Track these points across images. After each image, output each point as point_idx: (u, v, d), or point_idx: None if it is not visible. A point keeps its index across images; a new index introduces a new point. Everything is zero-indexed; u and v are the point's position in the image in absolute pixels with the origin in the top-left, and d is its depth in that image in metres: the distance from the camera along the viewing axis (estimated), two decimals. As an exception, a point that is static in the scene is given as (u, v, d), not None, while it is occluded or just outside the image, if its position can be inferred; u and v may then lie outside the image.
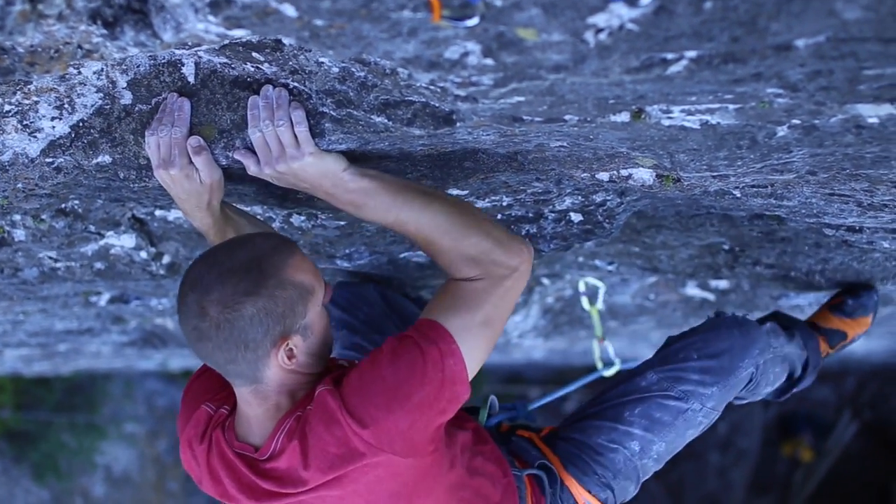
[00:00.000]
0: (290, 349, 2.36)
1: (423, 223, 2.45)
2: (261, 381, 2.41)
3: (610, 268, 4.12)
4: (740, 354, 3.03)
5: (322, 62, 2.21)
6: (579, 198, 3.03)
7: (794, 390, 3.52)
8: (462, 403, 2.42)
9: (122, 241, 3.37)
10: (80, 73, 2.32)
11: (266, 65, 2.27)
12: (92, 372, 9.47)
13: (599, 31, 1.72)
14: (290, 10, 1.73)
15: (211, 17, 1.79)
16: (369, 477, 2.36)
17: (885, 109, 2.04)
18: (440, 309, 2.44)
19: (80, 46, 2.05)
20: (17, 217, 3.13)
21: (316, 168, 2.38)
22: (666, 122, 2.24)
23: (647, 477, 3.07)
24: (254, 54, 2.23)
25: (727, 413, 3.09)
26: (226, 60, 2.30)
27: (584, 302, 4.19)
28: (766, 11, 1.63)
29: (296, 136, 2.34)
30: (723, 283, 4.36)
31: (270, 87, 2.32)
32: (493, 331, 2.46)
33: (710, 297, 4.42)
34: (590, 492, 2.93)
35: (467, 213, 2.51)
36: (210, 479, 2.58)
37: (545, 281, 4.52)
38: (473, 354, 2.40)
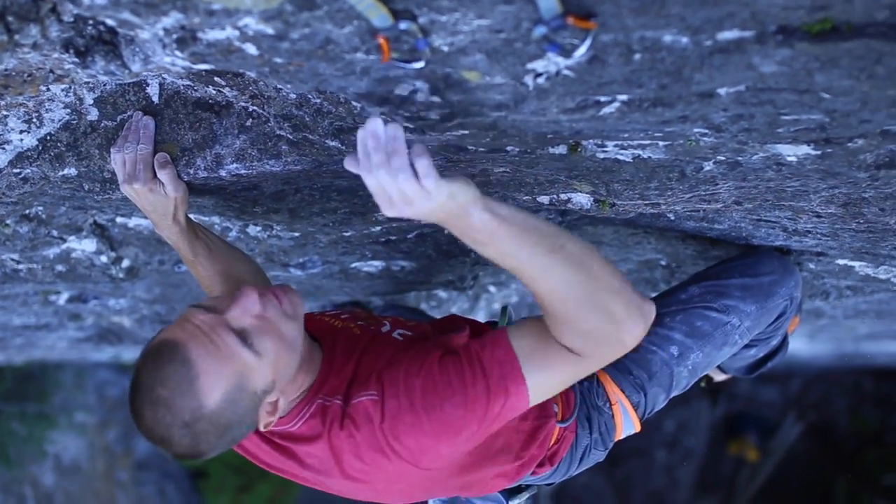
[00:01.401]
0: (271, 407, 2.27)
1: (541, 284, 2.12)
2: None
3: (554, 279, 4.22)
4: (779, 281, 3.04)
5: (280, 88, 2.31)
6: (523, 215, 3.10)
7: (770, 364, 3.52)
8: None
9: (84, 246, 3.43)
10: (48, 89, 2.40)
11: (227, 89, 2.37)
12: (43, 361, 9.45)
13: (538, 75, 1.86)
14: (251, 49, 1.85)
15: (178, 53, 1.91)
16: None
17: (803, 150, 2.19)
18: (527, 350, 2.24)
19: (52, 71, 2.15)
20: (-18, 221, 3.19)
21: (445, 210, 1.99)
22: (601, 155, 2.37)
23: (678, 391, 2.97)
24: (216, 79, 2.32)
25: (674, 411, 3.07)
26: (189, 83, 2.39)
27: None
28: (690, 64, 1.78)
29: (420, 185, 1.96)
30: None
31: (381, 124, 1.92)
32: (567, 383, 2.34)
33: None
34: (623, 392, 2.85)
35: (593, 277, 2.11)
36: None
37: (491, 289, 4.61)
38: (536, 397, 2.27)
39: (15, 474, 10.61)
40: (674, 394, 2.97)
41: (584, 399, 2.83)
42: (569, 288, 2.10)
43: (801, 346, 7.00)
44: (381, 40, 1.74)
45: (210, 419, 2.11)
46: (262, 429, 2.29)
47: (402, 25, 1.69)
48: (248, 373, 2.16)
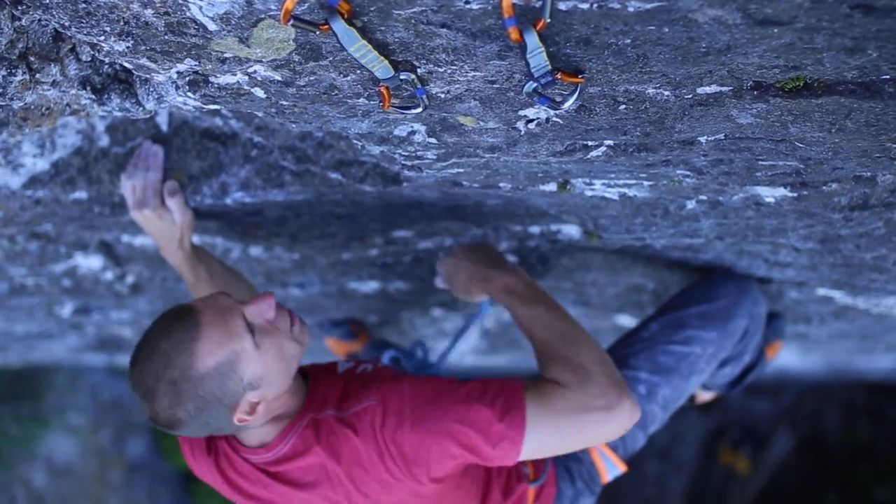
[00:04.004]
0: (250, 406, 2.32)
1: (547, 326, 2.51)
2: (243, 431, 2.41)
3: (545, 300, 4.31)
4: (737, 302, 3.07)
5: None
6: (515, 242, 3.21)
7: (749, 378, 3.53)
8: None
9: (90, 262, 3.52)
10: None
11: (233, 120, 2.47)
12: (38, 363, 9.49)
13: (529, 121, 1.97)
14: (260, 93, 1.95)
15: (189, 94, 2.00)
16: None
17: (780, 192, 2.29)
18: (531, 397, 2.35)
19: (69, 105, 2.25)
20: (-7, 239, 3.27)
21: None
22: (588, 193, 2.47)
23: (655, 427, 3.02)
24: (223, 110, 2.43)
25: (666, 422, 3.11)
26: (197, 113, 2.49)
27: None
28: (672, 114, 1.88)
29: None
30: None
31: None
32: (561, 443, 2.41)
33: (640, 325, 4.58)
34: None
35: (586, 337, 2.48)
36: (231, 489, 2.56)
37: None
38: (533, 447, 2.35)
39: (6, 475, 10.62)
40: (652, 430, 3.03)
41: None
42: (569, 328, 2.52)
43: (794, 359, 7.01)
44: (383, 89, 1.85)
45: (196, 383, 2.21)
46: (235, 422, 2.32)
47: (403, 76, 1.80)
48: (243, 357, 2.26)
